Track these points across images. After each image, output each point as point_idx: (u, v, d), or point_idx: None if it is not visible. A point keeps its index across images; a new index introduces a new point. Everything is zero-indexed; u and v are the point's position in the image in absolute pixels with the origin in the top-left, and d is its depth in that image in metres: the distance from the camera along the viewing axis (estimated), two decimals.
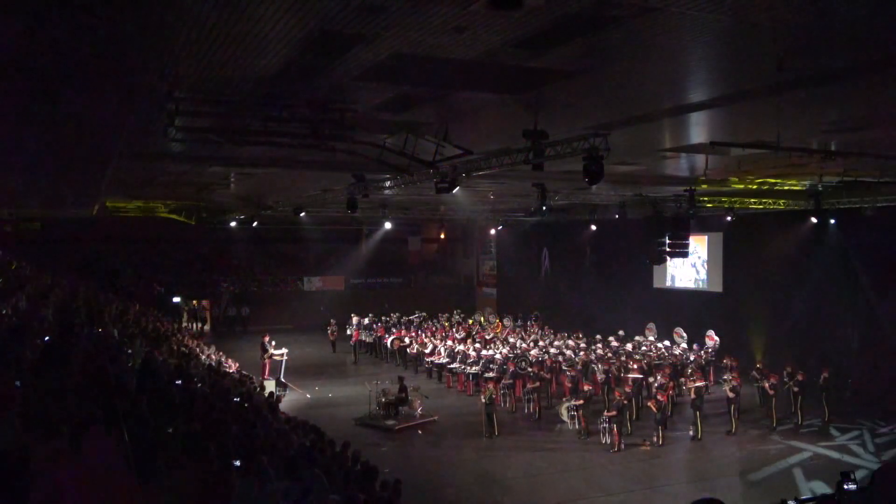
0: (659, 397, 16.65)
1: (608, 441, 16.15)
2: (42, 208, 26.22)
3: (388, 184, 15.82)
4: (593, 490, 13.74)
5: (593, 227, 27.77)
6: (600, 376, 19.65)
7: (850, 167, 14.56)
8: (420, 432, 17.59)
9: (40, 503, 4.64)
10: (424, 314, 30.59)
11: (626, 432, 16.52)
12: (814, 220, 20.12)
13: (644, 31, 6.12)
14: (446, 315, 30.76)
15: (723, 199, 19.86)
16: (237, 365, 21.71)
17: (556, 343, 24.28)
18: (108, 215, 26.27)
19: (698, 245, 25.73)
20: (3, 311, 12.45)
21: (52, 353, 9.19)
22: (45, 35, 5.86)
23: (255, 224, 28.15)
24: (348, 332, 28.52)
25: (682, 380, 19.85)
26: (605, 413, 16.34)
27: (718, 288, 25.72)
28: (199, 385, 12.57)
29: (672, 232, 20.47)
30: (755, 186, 16.67)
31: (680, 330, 24.61)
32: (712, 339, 23.18)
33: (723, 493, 12.96)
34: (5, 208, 25.23)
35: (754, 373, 19.43)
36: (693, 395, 17.33)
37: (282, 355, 22.14)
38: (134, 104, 8.59)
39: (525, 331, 27.82)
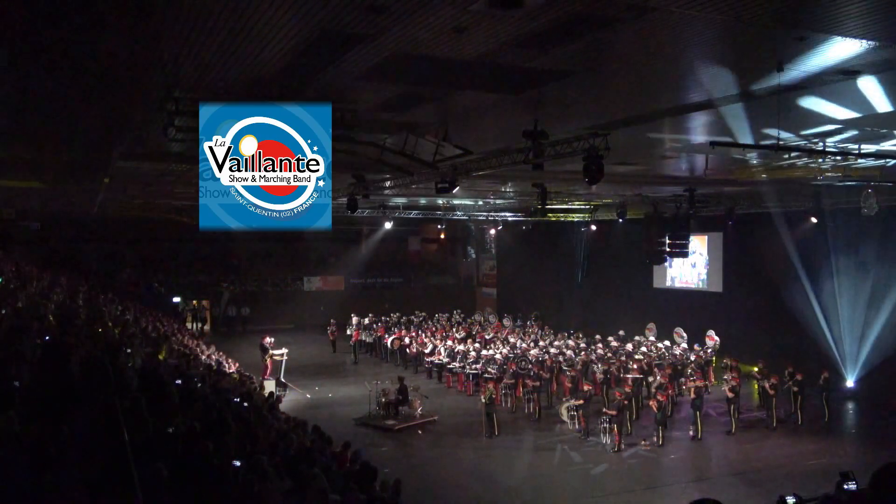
0: (659, 397, 16.64)
1: (608, 441, 16.15)
2: (43, 207, 26.21)
3: (388, 184, 15.82)
4: (593, 490, 13.73)
5: (593, 227, 27.76)
6: (600, 376, 19.65)
7: (849, 167, 14.55)
8: (420, 432, 17.58)
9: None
10: (424, 314, 30.60)
11: (626, 432, 16.51)
12: (814, 220, 20.11)
13: (644, 30, 6.12)
14: (446, 315, 30.76)
15: (722, 199, 19.84)
16: (237, 365, 21.71)
17: (556, 343, 24.27)
18: (109, 214, 26.28)
19: (698, 245, 25.73)
20: (3, 311, 12.43)
21: (52, 353, 9.17)
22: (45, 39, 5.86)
23: None
24: (348, 332, 28.50)
25: (682, 380, 19.85)
26: (605, 412, 16.34)
27: (718, 288, 25.70)
28: (199, 385, 12.56)
29: (672, 232, 20.48)
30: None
31: (680, 330, 24.58)
32: (712, 339, 23.17)
33: (723, 493, 12.95)
34: (5, 207, 25.20)
35: (755, 372, 19.43)
36: (693, 395, 17.32)
37: (282, 355, 22.15)
38: (134, 104, 8.59)
39: (525, 331, 27.82)
